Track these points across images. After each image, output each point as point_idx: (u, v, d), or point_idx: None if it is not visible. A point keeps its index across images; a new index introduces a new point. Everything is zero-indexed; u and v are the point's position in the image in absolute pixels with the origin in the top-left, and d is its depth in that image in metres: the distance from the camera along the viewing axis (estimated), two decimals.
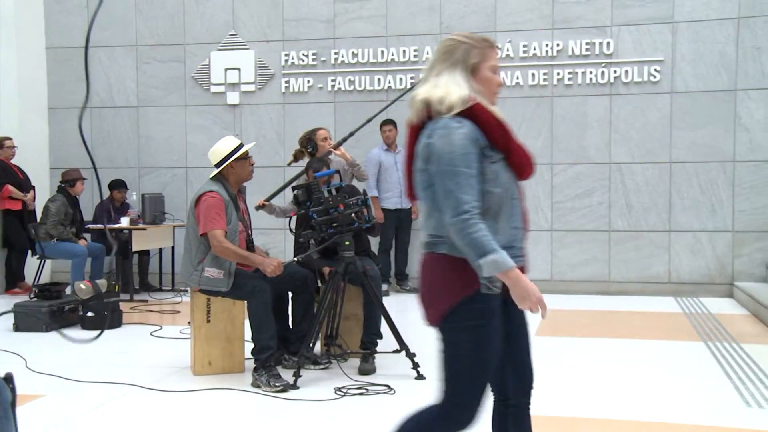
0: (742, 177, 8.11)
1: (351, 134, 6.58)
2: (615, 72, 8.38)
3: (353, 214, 4.87)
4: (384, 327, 5.06)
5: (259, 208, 5.89)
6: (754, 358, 5.36)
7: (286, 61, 9.16)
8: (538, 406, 4.28)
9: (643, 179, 8.33)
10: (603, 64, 8.41)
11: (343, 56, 9.01)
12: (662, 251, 8.31)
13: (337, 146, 6.25)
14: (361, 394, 4.51)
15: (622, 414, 4.17)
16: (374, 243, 8.46)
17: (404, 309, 7.31)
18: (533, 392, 2.63)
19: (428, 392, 4.58)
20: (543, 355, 5.51)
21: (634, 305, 7.71)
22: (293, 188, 5.11)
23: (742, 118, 8.09)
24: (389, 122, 8.38)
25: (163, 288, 8.90)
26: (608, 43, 8.38)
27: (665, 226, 8.29)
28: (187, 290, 6.63)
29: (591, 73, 8.44)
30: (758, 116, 8.04)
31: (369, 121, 6.64)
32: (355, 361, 5.10)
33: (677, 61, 8.24)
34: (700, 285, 8.22)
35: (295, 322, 5.22)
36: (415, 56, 8.84)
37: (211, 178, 4.96)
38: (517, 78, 8.60)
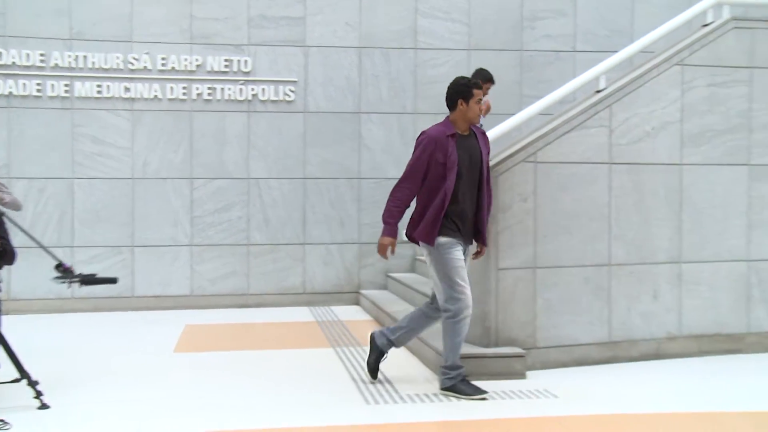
0: (366, 193, 8.86)
1: None
2: (253, 90, 8.63)
3: None
4: (1, 354, 4.61)
5: None
6: None
7: None
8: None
9: (280, 194, 8.68)
10: (241, 82, 8.62)
11: None
12: (297, 263, 8.73)
13: None
14: None
15: (251, 424, 4.29)
16: None
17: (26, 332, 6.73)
18: None
19: (53, 422, 4.29)
20: (182, 372, 5.50)
21: (271, 317, 7.99)
22: None
23: (365, 138, 8.84)
24: None
25: None
26: (246, 61, 8.61)
27: (300, 239, 8.73)
28: None
29: (230, 89, 8.59)
30: (378, 137, 8.86)
31: None
32: None
33: (309, 82, 8.75)
34: (331, 294, 8.80)
35: None
36: (41, 61, 8.21)
37: None
38: (156, 91, 8.43)
